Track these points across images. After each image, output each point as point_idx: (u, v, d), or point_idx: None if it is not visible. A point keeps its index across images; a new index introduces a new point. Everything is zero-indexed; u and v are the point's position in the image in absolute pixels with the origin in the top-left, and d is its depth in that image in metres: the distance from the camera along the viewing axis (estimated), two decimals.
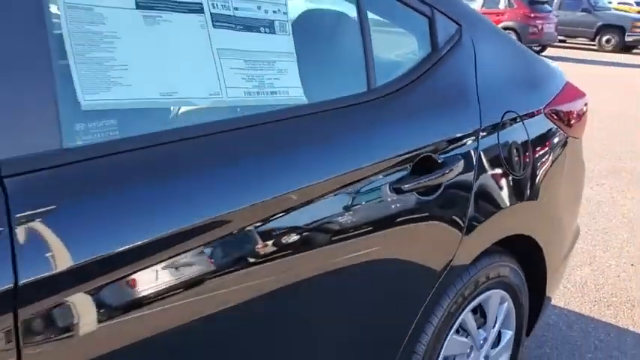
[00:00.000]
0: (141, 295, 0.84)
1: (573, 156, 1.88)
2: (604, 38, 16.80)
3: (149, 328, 0.86)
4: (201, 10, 1.01)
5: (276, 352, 1.08)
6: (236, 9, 1.06)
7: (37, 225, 0.75)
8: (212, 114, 1.02)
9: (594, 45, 16.97)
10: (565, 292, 2.78)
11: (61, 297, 0.76)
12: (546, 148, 1.72)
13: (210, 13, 1.02)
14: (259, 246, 0.99)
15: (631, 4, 21.36)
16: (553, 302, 2.68)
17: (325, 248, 1.09)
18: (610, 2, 20.96)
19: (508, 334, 1.81)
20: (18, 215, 0.74)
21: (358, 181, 1.16)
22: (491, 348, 1.76)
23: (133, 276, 0.83)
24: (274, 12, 1.13)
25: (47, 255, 0.75)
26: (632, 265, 3.14)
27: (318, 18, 1.42)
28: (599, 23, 16.89)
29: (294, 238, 1.04)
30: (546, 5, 15.32)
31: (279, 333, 1.07)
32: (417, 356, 1.45)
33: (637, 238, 3.49)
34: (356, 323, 1.24)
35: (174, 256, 0.87)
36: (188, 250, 0.89)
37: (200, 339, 0.93)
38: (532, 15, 14.14)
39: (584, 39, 17.37)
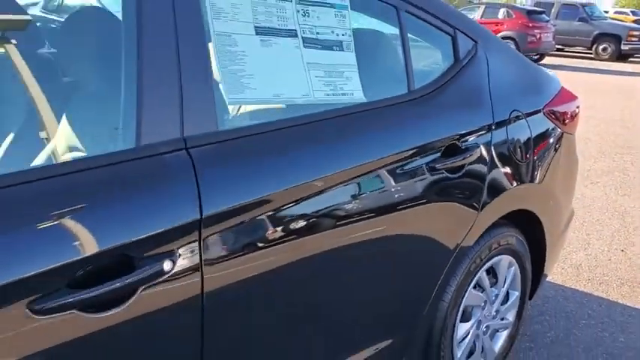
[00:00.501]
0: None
1: (568, 148, 2.27)
2: (600, 47, 17.26)
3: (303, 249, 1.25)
4: (296, 35, 1.41)
5: (346, 298, 1.46)
6: (318, 33, 1.46)
7: (213, 176, 1.14)
8: (305, 109, 1.41)
9: (591, 53, 17.43)
10: (562, 272, 3.16)
11: (237, 222, 1.15)
12: (545, 141, 2.11)
13: (302, 37, 1.42)
14: (344, 201, 1.38)
15: (627, 14, 21.82)
16: (552, 280, 3.06)
17: (384, 209, 1.48)
18: (606, 12, 21.44)
19: (515, 294, 2.19)
20: (200, 172, 1.13)
21: (404, 159, 1.54)
22: (501, 305, 2.15)
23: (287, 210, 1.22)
24: (342, 35, 1.52)
25: (221, 193, 1.14)
26: (622, 250, 3.52)
27: (372, 36, 1.81)
28: (596, 32, 17.35)
29: (364, 197, 1.43)
30: (544, 15, 15.78)
31: (347, 283, 1.45)
32: (444, 304, 1.83)
33: (626, 228, 3.88)
34: (399, 278, 1.62)
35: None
36: (317, 195, 1.28)
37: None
38: (530, 24, 14.59)
39: (581, 47, 17.82)
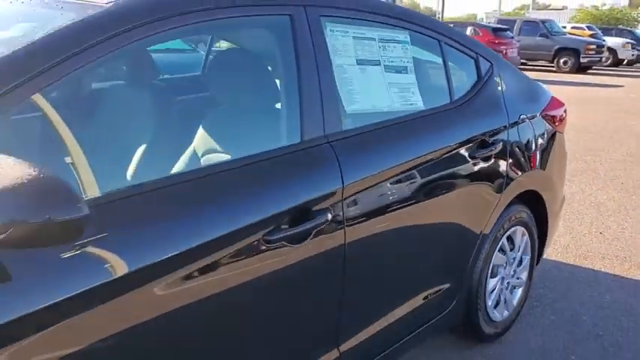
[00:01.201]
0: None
1: (559, 143, 2.90)
2: (561, 60, 18.35)
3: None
4: (379, 64, 1.99)
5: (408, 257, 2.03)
6: (392, 61, 2.05)
7: (346, 158, 1.70)
8: (388, 115, 1.98)
9: (553, 67, 18.51)
10: (554, 252, 3.78)
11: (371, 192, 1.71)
12: (543, 137, 2.73)
13: (383, 65, 2.00)
14: (423, 178, 1.95)
15: (583, 29, 23.08)
16: (547, 258, 3.66)
17: (443, 187, 2.06)
18: (564, 27, 22.67)
19: (526, 258, 2.79)
20: (339, 156, 1.69)
21: (452, 150, 2.13)
22: (517, 266, 2.74)
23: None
24: (407, 62, 2.11)
25: (353, 169, 1.70)
26: (600, 233, 4.17)
27: (424, 63, 2.39)
28: (556, 47, 18.45)
29: (431, 177, 2.01)
30: (508, 32, 16.77)
31: (427, 239, 2.02)
32: (479, 263, 2.41)
33: (602, 216, 4.54)
34: (453, 239, 2.20)
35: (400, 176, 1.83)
36: (401, 175, 1.85)
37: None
38: (497, 41, 15.49)
39: (543, 61, 18.90)
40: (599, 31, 23.01)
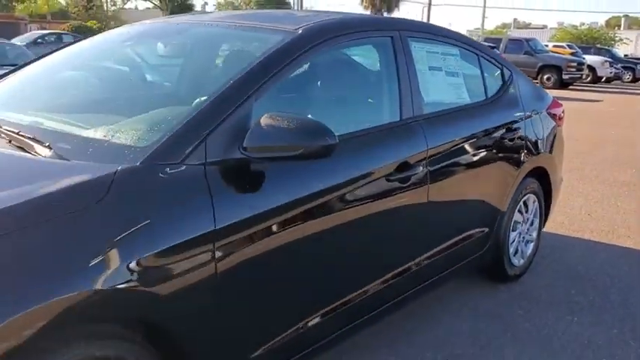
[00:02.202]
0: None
1: (559, 135, 3.78)
2: (545, 77, 19.51)
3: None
4: (442, 70, 2.86)
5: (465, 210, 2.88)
6: (449, 68, 2.91)
7: (429, 131, 2.55)
8: (447, 106, 2.84)
9: (537, 82, 19.63)
10: (551, 227, 4.64)
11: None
12: (548, 129, 3.61)
13: (445, 71, 2.87)
14: (470, 151, 2.81)
15: (564, 47, 24.35)
16: (547, 231, 4.53)
17: (480, 159, 2.92)
18: (547, 45, 23.91)
19: (536, 221, 3.65)
20: (425, 131, 2.54)
21: (490, 133, 2.99)
22: (530, 226, 3.60)
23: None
24: (457, 68, 2.98)
25: (432, 139, 2.55)
26: (588, 214, 5.07)
27: (468, 70, 3.24)
28: (540, 64, 19.63)
29: (476, 150, 2.87)
30: (495, 50, 17.86)
31: (474, 193, 2.87)
32: (505, 217, 3.26)
33: (589, 202, 5.44)
34: (493, 196, 3.05)
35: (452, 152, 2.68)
36: (454, 150, 2.70)
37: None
38: None
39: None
40: (579, 50, 24.29)
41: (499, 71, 3.34)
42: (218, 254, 1.68)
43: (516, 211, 3.38)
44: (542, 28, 65.57)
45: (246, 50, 2.34)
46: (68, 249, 1.42)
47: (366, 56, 2.60)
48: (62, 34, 23.49)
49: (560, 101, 3.97)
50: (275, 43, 2.11)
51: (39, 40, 20.90)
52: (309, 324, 2.07)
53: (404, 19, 2.97)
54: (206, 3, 78.98)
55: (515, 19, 72.77)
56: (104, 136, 1.84)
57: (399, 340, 2.77)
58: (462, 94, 2.97)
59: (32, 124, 2.00)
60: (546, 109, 3.65)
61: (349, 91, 2.54)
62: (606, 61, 24.23)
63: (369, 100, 2.60)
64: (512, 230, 3.40)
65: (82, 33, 26.82)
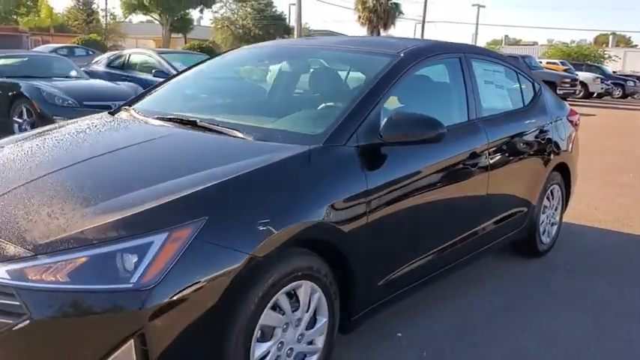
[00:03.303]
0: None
1: (576, 138, 4.61)
2: None
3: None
4: (493, 83, 3.68)
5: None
6: (497, 82, 3.74)
7: (487, 127, 3.36)
8: (495, 112, 3.65)
9: None
10: (565, 219, 5.45)
11: None
12: (568, 132, 4.43)
13: (494, 84, 3.70)
14: (512, 147, 3.62)
15: (557, 64, 25.42)
16: (563, 222, 5.33)
17: (522, 154, 3.73)
18: (541, 62, 24.96)
19: (559, 208, 4.46)
20: (484, 127, 3.35)
21: (527, 134, 3.81)
22: (554, 211, 4.40)
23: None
24: (503, 83, 3.81)
25: (491, 133, 3.36)
26: (595, 209, 5.89)
27: (509, 84, 4.05)
28: None
29: (516, 147, 3.68)
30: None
31: (516, 185, 3.68)
32: (537, 203, 4.06)
33: (594, 200, 6.27)
34: (527, 184, 3.85)
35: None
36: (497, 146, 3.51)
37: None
38: None
39: None
40: (572, 67, 25.35)
41: (531, 85, 4.17)
42: (369, 206, 2.47)
43: (545, 197, 4.19)
44: (532, 45, 67.22)
45: (365, 68, 3.13)
46: (291, 196, 2.20)
47: (442, 72, 3.40)
48: (74, 47, 24.23)
49: None
50: (387, 63, 2.92)
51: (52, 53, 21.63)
52: (430, 257, 2.87)
53: (467, 44, 3.80)
54: (201, 17, 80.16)
55: (506, 36, 74.31)
56: (283, 127, 2.64)
57: (464, 289, 3.56)
58: (507, 102, 3.79)
59: (222, 121, 2.78)
60: (566, 116, 4.48)
61: (434, 97, 3.34)
62: (597, 77, 25.30)
63: (448, 104, 3.39)
64: (542, 213, 4.20)
65: (91, 46, 27.65)
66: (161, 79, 10.09)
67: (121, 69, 11.00)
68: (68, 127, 2.93)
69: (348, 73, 3.26)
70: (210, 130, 2.66)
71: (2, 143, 2.80)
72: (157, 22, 47.62)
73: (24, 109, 7.82)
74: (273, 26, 55.16)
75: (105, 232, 1.86)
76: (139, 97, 3.39)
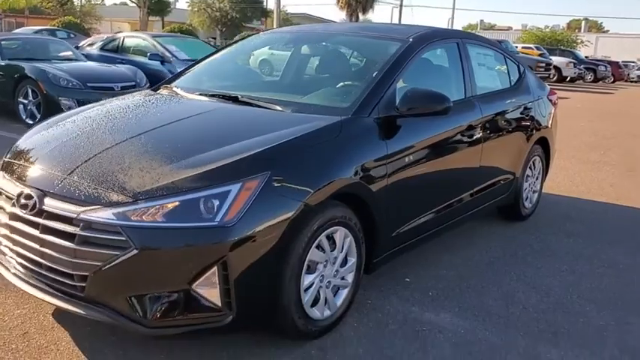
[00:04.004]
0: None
1: (555, 116, 5.16)
2: None
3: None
4: (485, 65, 4.19)
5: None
6: (488, 65, 4.25)
7: (481, 103, 3.87)
8: (487, 90, 4.16)
9: None
10: (543, 189, 6.03)
11: None
12: (549, 110, 4.98)
13: (486, 66, 4.21)
14: (498, 122, 4.15)
15: (532, 48, 26.17)
16: (543, 192, 5.90)
17: (510, 127, 4.26)
18: (516, 47, 25.66)
19: (540, 177, 5.02)
20: (478, 103, 3.85)
21: (514, 109, 4.33)
22: (535, 180, 4.96)
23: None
24: (493, 65, 4.32)
25: (485, 109, 3.88)
26: (570, 181, 6.48)
27: (498, 66, 4.57)
28: None
29: (504, 121, 4.21)
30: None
31: (501, 156, 4.21)
32: (521, 172, 4.60)
33: (569, 174, 6.86)
34: (514, 153, 4.39)
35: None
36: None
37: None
38: None
39: None
40: (546, 52, 26.12)
41: (516, 67, 4.69)
42: (388, 168, 2.96)
43: (528, 167, 4.73)
44: (507, 30, 68.24)
45: (380, 51, 3.59)
46: (330, 157, 2.68)
47: (443, 55, 3.89)
48: (55, 29, 24.15)
49: None
50: (399, 47, 3.40)
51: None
52: (434, 214, 3.38)
53: (464, 31, 4.29)
54: (177, 0, 79.49)
55: (481, 21, 75.18)
56: (314, 102, 3.11)
57: (457, 246, 4.09)
58: (496, 82, 4.31)
59: (258, 96, 3.24)
60: (546, 95, 5.03)
61: (437, 77, 3.84)
62: (570, 62, 26.14)
63: (448, 83, 3.89)
64: (525, 181, 4.75)
65: (70, 28, 27.52)
66: (156, 62, 10.40)
67: (115, 52, 11.26)
68: (125, 101, 3.38)
69: (364, 56, 3.74)
70: (250, 104, 3.12)
71: (66, 116, 3.22)
72: (132, 4, 47.11)
73: (29, 91, 8.11)
74: (251, 9, 55.13)
75: (192, 182, 2.32)
76: (175, 77, 3.83)
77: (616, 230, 4.80)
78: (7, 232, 2.57)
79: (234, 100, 3.20)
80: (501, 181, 4.30)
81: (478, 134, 3.77)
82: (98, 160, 2.53)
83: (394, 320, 3.01)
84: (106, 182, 2.39)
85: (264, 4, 57.29)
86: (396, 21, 52.97)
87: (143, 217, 2.26)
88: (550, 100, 5.07)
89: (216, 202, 2.28)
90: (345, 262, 2.82)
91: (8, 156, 2.90)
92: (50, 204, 2.41)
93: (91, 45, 12.02)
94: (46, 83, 7.94)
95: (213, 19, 53.38)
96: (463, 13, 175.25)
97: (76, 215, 2.32)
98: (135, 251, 2.21)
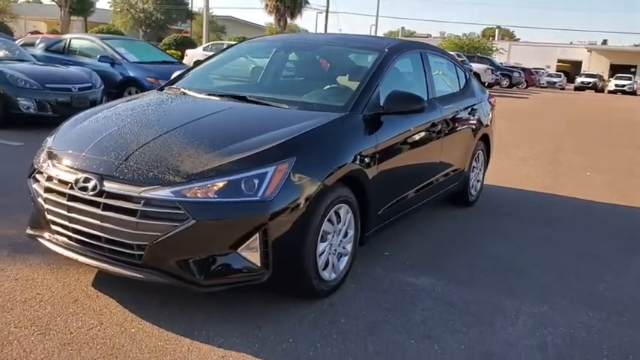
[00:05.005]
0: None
1: (494, 115, 5.96)
2: None
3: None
4: (440, 73, 4.90)
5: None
6: (443, 72, 4.97)
7: (441, 105, 4.57)
8: (443, 92, 4.87)
9: None
10: (501, 182, 6.84)
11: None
12: (489, 111, 5.77)
13: (442, 73, 4.92)
14: (456, 119, 4.87)
15: (454, 56, 27.70)
16: (498, 185, 6.71)
17: (461, 125, 5.00)
18: None
19: (483, 169, 5.80)
20: (439, 106, 4.55)
21: (463, 110, 5.07)
22: (480, 170, 5.74)
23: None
24: (447, 72, 5.04)
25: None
26: (500, 175, 7.36)
27: (449, 73, 5.29)
28: None
29: (456, 119, 4.94)
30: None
31: (452, 153, 4.94)
32: (469, 163, 5.35)
33: (497, 169, 7.76)
34: (464, 147, 5.12)
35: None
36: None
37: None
38: None
39: None
40: (466, 59, 27.74)
41: (464, 73, 5.45)
42: (377, 156, 3.57)
43: (473, 160, 5.50)
44: (426, 37, 71.08)
45: (362, 59, 4.20)
46: (338, 146, 3.27)
47: (409, 63, 4.56)
48: None
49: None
50: (378, 56, 4.03)
51: None
52: (406, 197, 4.03)
53: (425, 42, 4.98)
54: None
55: (402, 28, 77.87)
56: (313, 101, 3.68)
57: (424, 221, 4.77)
58: (449, 88, 5.03)
59: (262, 96, 3.77)
60: (487, 98, 5.83)
61: (406, 81, 4.50)
62: (488, 68, 27.92)
63: (415, 86, 4.55)
64: (471, 172, 5.51)
65: None
66: (106, 64, 10.53)
67: (61, 53, 11.29)
68: (145, 99, 3.85)
69: (350, 63, 4.36)
70: (258, 103, 3.65)
71: (93, 112, 3.63)
72: (48, 2, 45.55)
73: None
74: (176, 11, 54.59)
75: (235, 166, 2.84)
76: (175, 80, 4.29)
77: (546, 213, 5.66)
78: (63, 211, 2.98)
79: (243, 99, 3.72)
80: (455, 170, 5.03)
81: (439, 129, 4.46)
82: (148, 148, 2.99)
83: (383, 283, 3.63)
84: (161, 166, 2.86)
85: (190, 5, 56.94)
86: (321, 26, 53.95)
87: (198, 193, 2.76)
88: (489, 102, 5.88)
89: (257, 181, 2.81)
90: (345, 234, 3.40)
91: (51, 147, 3.28)
92: (110, 185, 2.85)
93: (35, 46, 11.96)
94: (3, 84, 8.03)
95: (137, 20, 52.47)
96: (385, 20, 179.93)
97: (137, 194, 2.78)
98: (193, 221, 2.70)
